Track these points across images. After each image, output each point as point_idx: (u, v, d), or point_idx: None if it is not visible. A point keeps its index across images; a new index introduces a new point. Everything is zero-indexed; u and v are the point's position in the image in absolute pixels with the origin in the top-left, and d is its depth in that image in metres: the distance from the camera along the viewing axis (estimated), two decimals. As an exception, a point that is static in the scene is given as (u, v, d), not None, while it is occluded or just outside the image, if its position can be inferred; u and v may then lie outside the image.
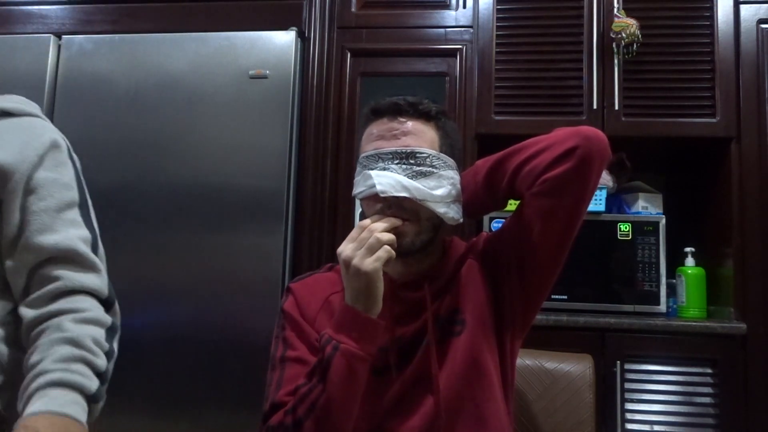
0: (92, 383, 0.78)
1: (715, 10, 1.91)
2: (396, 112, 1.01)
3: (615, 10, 1.91)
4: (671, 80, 1.92)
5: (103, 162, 1.93)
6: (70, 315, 0.83)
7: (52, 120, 1.94)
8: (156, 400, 1.83)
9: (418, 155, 0.98)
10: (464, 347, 0.99)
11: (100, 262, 0.91)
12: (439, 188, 0.98)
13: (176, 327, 1.85)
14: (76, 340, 0.80)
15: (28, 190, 0.88)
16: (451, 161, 1.02)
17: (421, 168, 0.97)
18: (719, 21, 1.91)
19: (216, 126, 1.92)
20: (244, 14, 2.04)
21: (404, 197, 0.95)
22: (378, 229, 0.90)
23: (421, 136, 1.00)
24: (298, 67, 1.97)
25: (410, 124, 1.00)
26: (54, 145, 0.92)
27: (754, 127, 1.86)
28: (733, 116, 1.87)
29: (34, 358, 0.79)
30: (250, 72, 1.92)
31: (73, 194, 0.92)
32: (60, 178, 0.91)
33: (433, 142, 1.01)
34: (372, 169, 0.98)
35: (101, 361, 0.82)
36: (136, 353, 1.84)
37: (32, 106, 0.97)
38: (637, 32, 1.87)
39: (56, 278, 0.85)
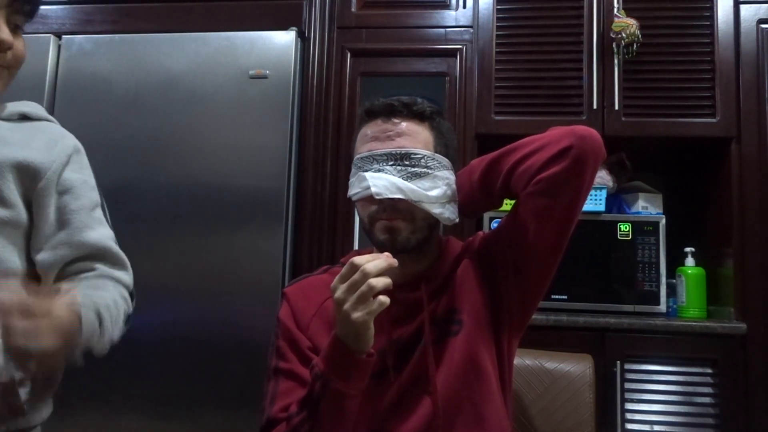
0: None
1: (715, 10, 1.91)
2: (390, 113, 1.01)
3: (615, 10, 1.91)
4: (671, 80, 1.92)
5: (103, 162, 1.91)
6: (110, 281, 0.94)
7: (52, 120, 1.95)
8: (156, 400, 1.82)
9: (412, 156, 0.98)
10: (461, 347, 0.99)
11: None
12: (434, 189, 0.98)
13: (176, 327, 1.85)
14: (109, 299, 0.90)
15: (61, 190, 0.95)
16: (446, 161, 1.02)
17: (415, 169, 0.97)
18: (719, 21, 1.91)
19: (216, 126, 1.92)
20: (244, 14, 2.04)
21: (399, 198, 0.95)
22: (371, 273, 0.84)
23: (415, 136, 1.00)
24: (298, 67, 1.97)
25: (404, 125, 1.00)
26: (77, 149, 1.01)
27: (754, 127, 1.86)
28: (733, 116, 1.87)
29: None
30: (250, 72, 1.92)
31: (97, 195, 1.01)
32: (88, 180, 1.00)
33: (428, 142, 1.01)
34: (366, 171, 0.98)
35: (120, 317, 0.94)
36: (136, 353, 1.84)
37: (46, 113, 1.04)
38: (637, 32, 1.87)
39: (93, 269, 0.95)
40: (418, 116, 1.02)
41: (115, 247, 0.98)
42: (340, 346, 0.88)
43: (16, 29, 0.93)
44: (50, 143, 0.96)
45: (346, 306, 0.85)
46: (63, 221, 0.93)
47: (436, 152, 1.01)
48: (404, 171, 0.97)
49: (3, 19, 0.89)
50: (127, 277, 0.98)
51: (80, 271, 0.93)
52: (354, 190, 1.00)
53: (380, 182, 0.95)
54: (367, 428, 0.97)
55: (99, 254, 0.95)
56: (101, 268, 0.95)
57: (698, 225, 2.11)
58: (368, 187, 0.95)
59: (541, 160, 0.93)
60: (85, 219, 0.95)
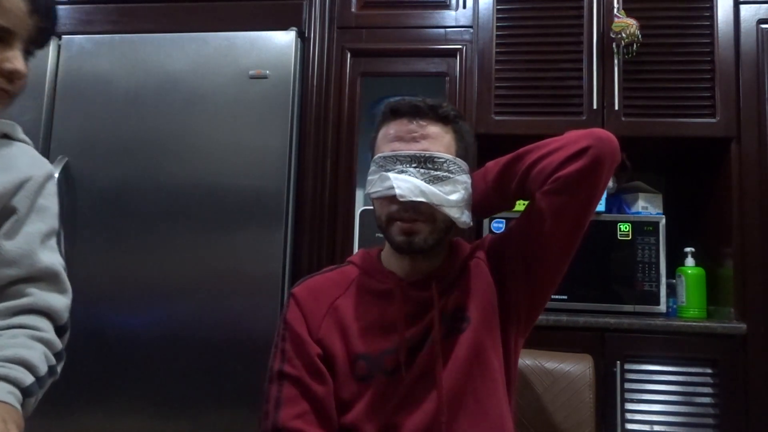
0: (27, 378, 0.82)
1: (715, 10, 1.91)
2: (415, 113, 1.02)
3: (615, 10, 1.91)
4: (671, 80, 1.92)
5: (103, 162, 1.93)
6: (27, 330, 0.88)
7: (52, 120, 1.95)
8: (156, 400, 1.82)
9: (435, 160, 0.99)
10: (468, 343, 1.00)
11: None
12: (454, 193, 0.99)
13: (176, 327, 1.85)
14: (24, 347, 0.85)
15: (26, 213, 0.95)
16: (464, 165, 1.04)
17: (438, 173, 0.99)
18: (719, 21, 1.91)
19: (216, 126, 1.92)
20: (244, 14, 2.04)
21: (421, 201, 0.96)
22: None
23: (439, 140, 1.01)
24: (298, 67, 1.97)
25: (429, 128, 1.02)
26: (50, 176, 1.02)
27: (754, 127, 1.86)
28: (733, 116, 1.87)
29: None
30: (250, 72, 1.92)
31: (56, 223, 1.01)
32: (51, 207, 1.00)
33: (450, 146, 1.02)
34: (390, 171, 0.99)
35: (43, 367, 0.85)
36: (136, 353, 1.84)
37: (24, 134, 1.04)
38: (637, 32, 1.87)
39: (28, 294, 0.91)
40: (443, 119, 1.03)
41: (64, 274, 0.97)
42: None
43: (27, 56, 0.94)
44: (30, 166, 0.97)
45: None
46: (19, 242, 0.93)
47: (457, 156, 1.02)
48: (427, 174, 0.98)
49: (21, 50, 0.90)
50: (63, 303, 0.95)
51: (15, 296, 0.91)
52: (375, 188, 1.01)
53: (405, 184, 0.96)
54: (378, 422, 0.98)
55: (41, 276, 0.93)
56: (37, 293, 0.91)
57: (698, 225, 2.11)
58: (391, 188, 0.96)
59: (559, 159, 0.95)
60: (35, 243, 0.94)
